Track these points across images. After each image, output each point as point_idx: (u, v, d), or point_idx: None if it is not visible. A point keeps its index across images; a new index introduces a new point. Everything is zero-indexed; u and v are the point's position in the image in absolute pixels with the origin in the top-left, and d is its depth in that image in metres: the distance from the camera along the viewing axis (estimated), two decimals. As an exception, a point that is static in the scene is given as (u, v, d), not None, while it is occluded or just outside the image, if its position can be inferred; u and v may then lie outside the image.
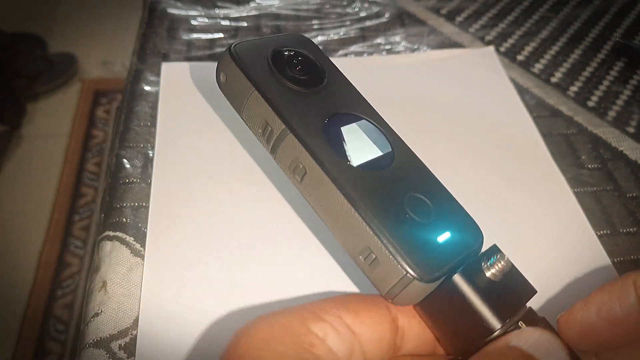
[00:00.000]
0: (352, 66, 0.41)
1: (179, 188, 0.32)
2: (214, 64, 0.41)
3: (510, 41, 0.45)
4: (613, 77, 0.42)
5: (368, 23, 0.46)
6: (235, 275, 0.28)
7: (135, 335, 0.25)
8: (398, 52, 0.43)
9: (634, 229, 0.31)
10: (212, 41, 0.43)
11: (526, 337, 0.18)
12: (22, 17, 1.52)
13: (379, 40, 0.44)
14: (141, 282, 0.27)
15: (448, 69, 0.42)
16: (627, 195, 0.33)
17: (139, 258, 0.28)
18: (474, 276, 0.20)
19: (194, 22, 0.45)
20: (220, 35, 0.44)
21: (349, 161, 0.22)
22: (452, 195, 0.23)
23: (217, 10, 0.46)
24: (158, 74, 0.40)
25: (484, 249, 0.21)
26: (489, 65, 0.42)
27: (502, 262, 0.20)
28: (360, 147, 0.22)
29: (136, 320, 0.26)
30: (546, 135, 0.37)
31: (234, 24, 0.45)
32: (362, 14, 0.47)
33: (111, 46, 1.47)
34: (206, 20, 0.45)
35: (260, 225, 0.30)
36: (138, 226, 0.30)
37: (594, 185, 0.34)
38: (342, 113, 0.24)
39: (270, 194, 0.32)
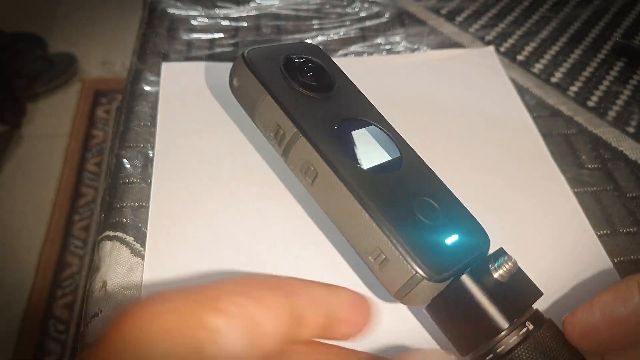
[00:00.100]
0: (352, 66, 0.41)
1: (179, 188, 0.32)
2: (214, 64, 0.42)
3: (510, 41, 0.45)
4: (613, 77, 0.42)
5: (368, 23, 0.46)
6: (234, 274, 0.28)
7: (135, 335, 0.25)
8: (398, 52, 0.43)
9: (634, 229, 0.31)
10: (212, 41, 0.43)
11: (420, 357, 0.17)
12: (22, 17, 1.52)
13: (379, 40, 0.44)
14: (141, 282, 0.27)
15: (448, 69, 0.42)
16: (627, 195, 0.33)
17: (139, 258, 0.28)
18: (481, 277, 0.20)
19: (194, 22, 0.45)
20: (220, 35, 0.44)
21: (360, 164, 0.22)
22: (459, 200, 0.23)
23: (217, 10, 0.46)
24: (158, 74, 0.40)
25: (489, 252, 0.22)
26: (489, 65, 0.42)
27: (509, 264, 0.20)
28: (369, 151, 0.23)
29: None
30: (546, 135, 0.37)
31: (234, 24, 0.45)
32: (362, 14, 0.47)
33: (111, 46, 1.47)
34: (206, 20, 0.45)
35: (260, 225, 0.30)
36: (138, 226, 0.30)
37: (594, 185, 0.34)
38: (352, 118, 0.24)
39: (270, 194, 0.32)
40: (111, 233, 0.30)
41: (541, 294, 0.21)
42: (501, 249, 0.21)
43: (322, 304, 0.17)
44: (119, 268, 0.28)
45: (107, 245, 0.29)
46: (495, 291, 0.20)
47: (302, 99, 0.24)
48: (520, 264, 0.21)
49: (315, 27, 0.45)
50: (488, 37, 0.46)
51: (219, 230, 0.30)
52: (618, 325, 0.19)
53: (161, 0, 0.47)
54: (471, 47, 0.44)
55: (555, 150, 0.36)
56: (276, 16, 0.46)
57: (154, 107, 0.37)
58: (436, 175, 0.24)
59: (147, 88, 0.39)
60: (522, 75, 0.42)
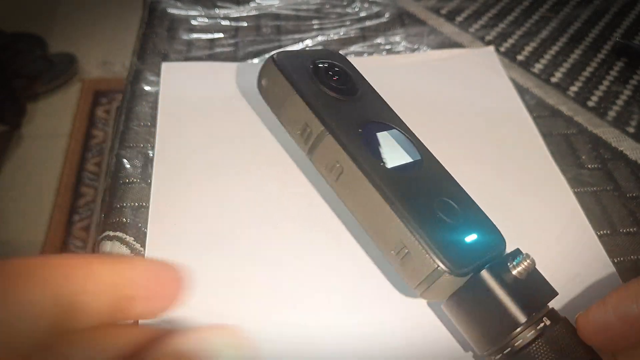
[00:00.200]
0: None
1: (179, 188, 0.32)
2: (214, 64, 0.42)
3: (510, 41, 0.45)
4: (613, 77, 0.42)
5: (368, 23, 0.46)
6: (235, 275, 0.28)
7: (135, 335, 0.25)
8: (398, 52, 0.43)
9: (634, 229, 0.31)
10: (212, 41, 0.43)
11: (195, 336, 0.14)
12: (22, 17, 1.52)
13: (379, 40, 0.44)
14: (141, 282, 0.27)
15: (448, 69, 0.42)
16: (627, 195, 0.33)
17: (139, 258, 0.28)
18: (500, 273, 0.21)
19: (194, 22, 0.45)
20: (220, 35, 0.44)
21: (383, 163, 0.23)
22: (475, 203, 0.24)
23: (217, 10, 0.46)
24: (158, 74, 0.40)
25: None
26: (489, 65, 0.42)
27: (528, 261, 0.21)
28: (392, 152, 0.24)
29: (136, 320, 0.26)
30: (546, 135, 0.37)
31: (234, 24, 0.45)
32: (362, 14, 0.47)
33: (111, 46, 1.47)
34: (206, 20, 0.45)
35: (260, 225, 0.30)
36: (138, 226, 0.30)
37: (594, 185, 0.34)
38: (375, 121, 0.25)
39: (270, 194, 0.32)
40: (111, 233, 0.30)
41: (556, 293, 0.22)
42: (518, 249, 0.22)
43: (104, 283, 0.15)
44: (119, 268, 0.28)
45: (107, 245, 0.29)
46: (514, 287, 0.20)
47: (328, 100, 0.25)
48: None
49: (315, 27, 0.45)
50: (488, 37, 0.46)
51: (219, 230, 0.30)
52: (631, 323, 0.19)
53: (161, 0, 0.47)
54: (471, 47, 0.44)
55: (555, 150, 0.36)
56: (276, 16, 0.46)
57: (154, 107, 0.37)
58: (454, 179, 0.25)
59: (147, 88, 0.39)
60: (522, 75, 0.42)
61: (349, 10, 0.47)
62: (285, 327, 0.26)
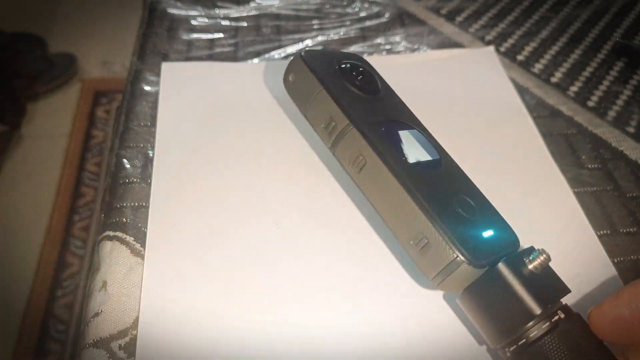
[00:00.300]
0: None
1: (179, 188, 0.32)
2: (214, 64, 0.42)
3: (510, 41, 0.45)
4: (613, 77, 0.42)
5: (368, 23, 0.46)
6: (235, 275, 0.28)
7: (135, 335, 0.25)
8: (398, 52, 0.43)
9: (634, 229, 0.31)
10: (212, 41, 0.43)
11: None
12: (22, 17, 1.52)
13: (379, 40, 0.44)
14: (141, 282, 0.27)
15: (448, 69, 0.42)
16: (627, 195, 0.33)
17: (139, 258, 0.28)
18: (517, 267, 0.21)
19: (194, 22, 0.45)
20: (220, 35, 0.44)
21: (405, 158, 0.24)
22: (490, 203, 0.25)
23: (217, 10, 0.46)
24: (158, 74, 0.40)
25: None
26: (489, 65, 0.42)
27: (544, 256, 0.21)
28: (412, 150, 0.25)
29: (136, 320, 0.26)
30: (546, 135, 0.37)
31: (234, 24, 0.45)
32: (362, 14, 0.47)
33: (111, 46, 1.47)
34: (206, 20, 0.45)
35: (260, 225, 0.30)
36: (138, 226, 0.30)
37: (594, 185, 0.34)
38: (396, 120, 0.26)
39: (270, 194, 0.32)
40: (111, 233, 0.30)
41: (569, 290, 0.22)
42: (532, 247, 0.23)
43: None
44: (119, 268, 0.28)
45: (107, 245, 0.29)
46: (530, 280, 0.21)
47: (353, 97, 0.26)
48: None
49: (315, 27, 0.45)
50: (488, 37, 0.46)
51: (219, 230, 0.30)
52: None
53: (161, 0, 0.47)
54: (471, 47, 0.44)
55: (555, 150, 0.36)
56: (276, 16, 0.46)
57: (154, 107, 0.37)
58: (470, 179, 0.26)
59: (147, 88, 0.39)
60: (522, 75, 0.42)
61: (349, 10, 0.47)
62: (295, 323, 0.26)
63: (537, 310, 0.20)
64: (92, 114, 1.30)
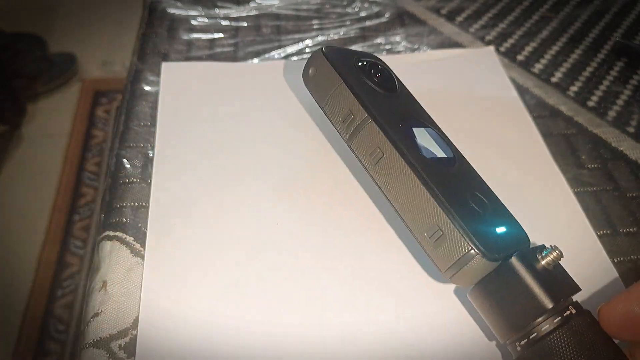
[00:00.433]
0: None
1: (179, 188, 0.32)
2: (214, 64, 0.42)
3: (511, 41, 0.45)
4: (613, 77, 0.42)
5: (368, 23, 0.46)
6: (235, 274, 0.28)
7: (135, 335, 0.25)
8: (398, 52, 0.43)
9: (634, 229, 0.31)
10: (212, 41, 0.43)
11: None
12: (22, 17, 1.52)
13: (379, 40, 0.44)
14: (141, 282, 0.27)
15: (448, 69, 0.42)
16: (627, 195, 0.33)
17: (139, 258, 0.28)
18: (529, 261, 0.21)
19: (194, 22, 0.45)
20: (220, 35, 0.44)
21: (421, 152, 0.24)
22: (501, 201, 0.25)
23: (217, 10, 0.46)
24: (158, 74, 0.40)
25: None
26: (489, 65, 0.42)
27: (556, 253, 0.22)
28: (428, 146, 0.25)
29: (136, 320, 0.26)
30: (546, 135, 0.37)
31: (234, 24, 0.45)
32: (362, 14, 0.47)
33: (111, 46, 1.47)
34: (206, 20, 0.45)
35: (260, 225, 0.30)
36: (138, 226, 0.30)
37: (594, 185, 0.34)
38: (413, 117, 0.27)
39: (269, 193, 0.32)
40: (111, 233, 0.30)
41: (579, 289, 0.22)
42: (543, 245, 0.23)
43: None
44: (119, 268, 0.28)
45: (107, 245, 0.29)
46: (542, 274, 0.21)
47: (371, 92, 0.27)
48: None
49: (316, 27, 0.45)
50: (488, 37, 0.46)
51: (219, 230, 0.30)
52: None
53: (161, 0, 0.47)
54: (471, 47, 0.44)
55: (555, 150, 0.36)
56: (276, 16, 0.46)
57: (154, 107, 0.37)
58: (482, 178, 0.26)
59: (147, 88, 0.39)
60: (522, 75, 0.42)
61: (349, 10, 0.47)
62: (296, 322, 0.26)
63: (549, 305, 0.20)
64: (92, 114, 1.30)
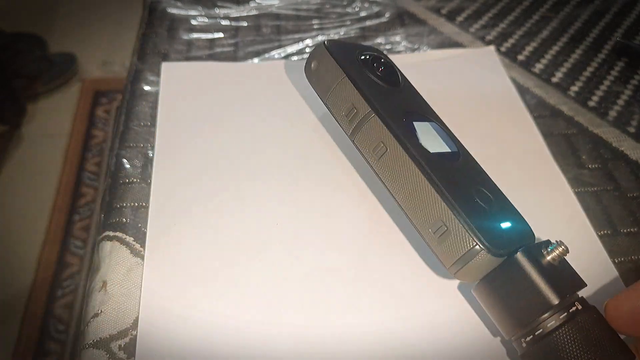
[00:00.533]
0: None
1: (179, 188, 0.32)
2: (214, 64, 0.42)
3: (511, 41, 0.45)
4: (614, 77, 0.42)
5: (368, 23, 0.46)
6: (235, 274, 0.28)
7: (135, 336, 0.25)
8: (398, 52, 0.43)
9: (635, 229, 0.31)
10: (212, 41, 0.43)
11: None
12: (22, 17, 1.52)
13: (379, 40, 0.44)
14: (141, 283, 0.27)
15: (448, 69, 0.42)
16: (628, 195, 0.33)
17: (138, 258, 0.28)
18: (535, 257, 0.21)
19: (194, 22, 0.45)
20: (220, 35, 0.44)
21: (425, 148, 0.24)
22: (506, 196, 0.25)
23: (217, 10, 0.46)
24: (158, 74, 0.40)
25: None
26: (489, 65, 0.42)
27: (562, 248, 0.21)
28: (432, 140, 0.25)
29: (136, 321, 0.26)
30: (547, 135, 0.37)
31: (234, 23, 0.45)
32: (362, 14, 0.47)
33: (111, 46, 1.47)
34: (206, 20, 0.45)
35: (260, 225, 0.30)
36: (138, 226, 0.30)
37: (595, 185, 0.34)
38: (416, 112, 0.27)
39: (269, 194, 0.32)
40: (111, 233, 0.30)
41: (585, 284, 0.22)
42: (548, 240, 0.23)
43: None
44: (119, 268, 0.28)
45: (107, 245, 0.29)
46: (548, 270, 0.21)
47: (374, 86, 0.26)
48: None
49: (316, 27, 0.45)
50: (488, 37, 0.46)
51: (219, 230, 0.30)
52: None
53: (161, 0, 0.47)
54: (472, 47, 0.44)
55: (556, 150, 0.36)
56: (276, 16, 0.46)
57: (154, 107, 0.37)
58: (486, 173, 0.26)
59: (147, 88, 0.39)
60: (522, 75, 0.42)
61: (349, 10, 0.47)
62: (296, 321, 0.26)
63: (555, 300, 0.20)
64: (92, 114, 1.30)
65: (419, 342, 0.26)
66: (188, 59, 0.42)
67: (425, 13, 0.48)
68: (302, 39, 0.44)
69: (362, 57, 0.28)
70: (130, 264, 0.28)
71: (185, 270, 0.28)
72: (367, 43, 0.44)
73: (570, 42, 0.46)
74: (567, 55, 0.44)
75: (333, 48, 0.27)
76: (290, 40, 0.44)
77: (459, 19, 0.47)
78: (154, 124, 0.36)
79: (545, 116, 0.38)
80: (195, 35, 0.44)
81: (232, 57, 0.42)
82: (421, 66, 0.42)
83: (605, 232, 0.31)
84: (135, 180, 0.32)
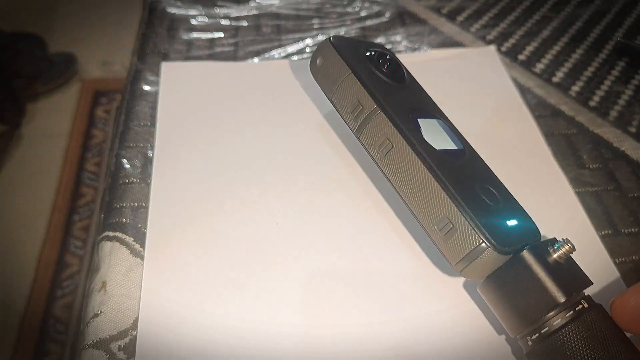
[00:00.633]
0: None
1: (179, 188, 0.32)
2: (214, 64, 0.41)
3: (512, 41, 0.45)
4: (614, 77, 0.42)
5: (369, 22, 0.46)
6: (235, 275, 0.28)
7: (135, 336, 0.25)
8: (399, 52, 0.43)
9: (636, 229, 0.31)
10: (212, 41, 0.43)
11: None
12: (22, 17, 1.52)
13: (380, 39, 0.44)
14: (141, 283, 0.27)
15: (449, 68, 0.42)
16: (629, 195, 0.33)
17: (138, 258, 0.28)
18: (541, 255, 0.21)
19: (194, 22, 0.45)
20: (220, 34, 0.44)
21: (431, 144, 0.24)
22: (511, 194, 0.25)
23: (217, 10, 0.46)
24: (158, 74, 0.40)
25: None
26: (490, 65, 0.42)
27: (568, 246, 0.21)
28: (438, 138, 0.25)
29: (136, 321, 0.26)
30: (547, 135, 0.36)
31: (234, 23, 0.45)
32: (363, 14, 0.47)
33: (111, 46, 1.47)
34: (206, 19, 0.45)
35: (260, 225, 0.30)
36: (138, 226, 0.30)
37: (596, 185, 0.34)
38: (422, 108, 0.27)
39: (269, 194, 0.32)
40: (111, 233, 0.29)
41: (591, 282, 0.22)
42: (554, 238, 0.22)
43: None
44: (119, 268, 0.28)
45: (107, 245, 0.29)
46: (554, 268, 0.21)
47: (380, 83, 0.26)
48: None
49: (316, 26, 0.45)
50: (489, 37, 0.46)
51: (219, 231, 0.29)
52: None
53: (161, 0, 0.47)
54: (472, 46, 0.44)
55: (557, 150, 0.36)
56: (276, 16, 0.46)
57: (154, 107, 0.37)
58: (492, 170, 0.26)
59: (147, 88, 0.39)
60: (523, 75, 0.42)
61: (349, 9, 0.47)
62: (296, 321, 0.26)
63: (562, 299, 0.20)
64: (92, 114, 1.30)
65: (423, 339, 0.25)
66: (188, 58, 0.41)
67: (426, 13, 0.48)
68: (302, 39, 0.44)
69: (368, 54, 0.28)
70: (130, 264, 0.28)
71: (185, 270, 0.28)
72: (368, 43, 0.44)
73: (571, 42, 0.46)
74: (567, 55, 0.44)
75: (339, 44, 0.27)
76: (291, 39, 0.44)
77: (460, 18, 0.47)
78: (153, 124, 0.36)
79: (545, 116, 0.38)
80: (195, 35, 0.44)
81: (232, 56, 0.42)
82: (422, 66, 0.42)
83: (606, 232, 0.31)
84: (135, 180, 0.32)
